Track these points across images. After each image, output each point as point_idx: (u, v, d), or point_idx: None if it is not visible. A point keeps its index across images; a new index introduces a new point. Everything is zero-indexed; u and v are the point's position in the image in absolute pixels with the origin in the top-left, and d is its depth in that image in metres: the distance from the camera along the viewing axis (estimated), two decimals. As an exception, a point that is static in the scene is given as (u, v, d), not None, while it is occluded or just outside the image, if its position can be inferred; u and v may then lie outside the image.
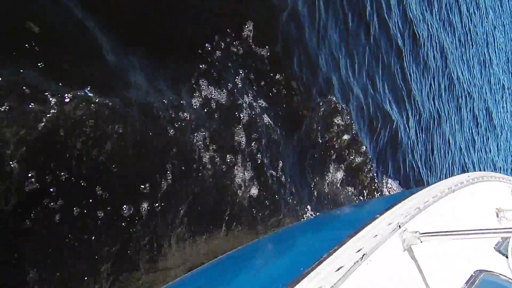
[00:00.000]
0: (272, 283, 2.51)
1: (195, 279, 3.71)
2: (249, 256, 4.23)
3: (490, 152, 14.53)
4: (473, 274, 2.67)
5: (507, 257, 3.07)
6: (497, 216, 3.75)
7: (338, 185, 6.09)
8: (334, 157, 5.96)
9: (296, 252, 3.45)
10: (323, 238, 3.83)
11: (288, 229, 5.14)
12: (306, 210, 5.37)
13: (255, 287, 2.71)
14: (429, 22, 10.37)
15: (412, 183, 8.49)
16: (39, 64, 2.68)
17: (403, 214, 2.87)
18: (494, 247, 3.28)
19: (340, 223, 4.62)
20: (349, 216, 5.10)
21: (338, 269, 2.05)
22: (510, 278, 2.89)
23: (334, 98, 5.91)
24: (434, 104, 10.59)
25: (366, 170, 6.61)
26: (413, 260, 2.50)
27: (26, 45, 2.66)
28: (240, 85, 4.45)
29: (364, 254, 2.21)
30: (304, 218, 5.38)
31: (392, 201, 3.12)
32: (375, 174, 6.93)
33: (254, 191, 4.61)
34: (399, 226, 2.66)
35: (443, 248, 2.82)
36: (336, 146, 5.99)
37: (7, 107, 2.45)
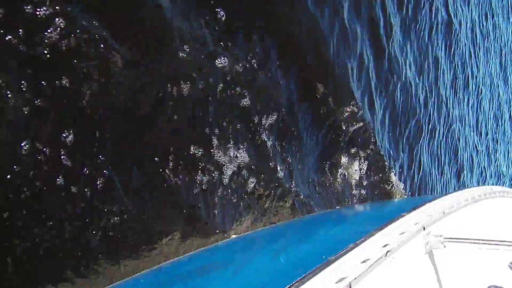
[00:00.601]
0: (293, 268, 2.48)
1: (212, 255, 3.73)
2: (269, 239, 4.27)
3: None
4: None
5: None
6: None
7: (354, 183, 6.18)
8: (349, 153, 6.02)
9: (318, 240, 3.46)
10: (346, 229, 3.83)
11: (311, 217, 5.14)
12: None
13: (276, 269, 2.72)
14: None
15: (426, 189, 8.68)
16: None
17: (430, 215, 2.88)
18: (509, 265, 3.16)
19: (364, 218, 4.63)
20: (373, 212, 5.12)
21: (364, 261, 2.06)
22: None
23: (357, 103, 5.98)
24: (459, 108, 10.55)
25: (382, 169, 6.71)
26: (432, 265, 2.51)
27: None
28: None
29: (388, 251, 2.23)
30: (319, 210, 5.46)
31: (417, 203, 3.12)
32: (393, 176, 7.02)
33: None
34: (424, 228, 2.67)
35: (462, 257, 2.81)
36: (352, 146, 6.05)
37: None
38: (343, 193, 5.92)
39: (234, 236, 4.10)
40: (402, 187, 7.30)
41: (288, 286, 1.82)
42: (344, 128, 5.73)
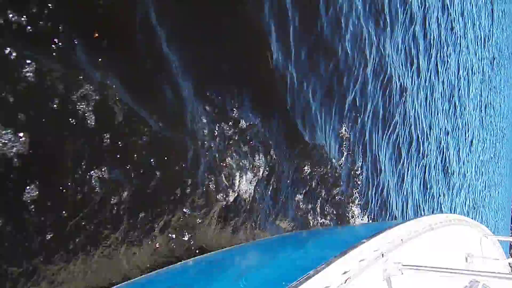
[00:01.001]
0: None
1: (172, 275, 3.66)
2: (227, 262, 4.23)
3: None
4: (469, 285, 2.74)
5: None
6: (466, 260, 4.00)
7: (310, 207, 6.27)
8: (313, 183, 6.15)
9: (278, 265, 3.47)
10: (307, 254, 3.89)
11: (271, 240, 5.17)
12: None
13: None
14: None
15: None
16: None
17: (389, 242, 2.96)
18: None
19: (324, 242, 4.71)
20: (334, 237, 5.21)
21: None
22: None
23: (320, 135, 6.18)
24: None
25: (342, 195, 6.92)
26: None
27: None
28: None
29: (348, 278, 2.28)
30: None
31: (377, 229, 3.19)
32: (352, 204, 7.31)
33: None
34: (382, 255, 2.75)
35: (418, 284, 2.91)
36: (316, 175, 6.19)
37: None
38: (301, 214, 6.00)
39: (190, 259, 4.03)
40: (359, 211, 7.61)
41: None
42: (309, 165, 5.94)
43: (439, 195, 13.19)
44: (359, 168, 7.55)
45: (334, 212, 6.71)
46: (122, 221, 3.25)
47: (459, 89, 15.22)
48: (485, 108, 21.54)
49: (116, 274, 3.32)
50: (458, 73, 14.85)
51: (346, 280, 2.26)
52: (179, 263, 3.89)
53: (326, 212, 6.51)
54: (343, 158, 7.04)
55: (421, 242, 3.45)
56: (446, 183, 14.06)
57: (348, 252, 2.58)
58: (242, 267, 3.84)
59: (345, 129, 7.00)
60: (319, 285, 2.15)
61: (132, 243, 3.39)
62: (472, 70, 17.06)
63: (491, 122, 23.68)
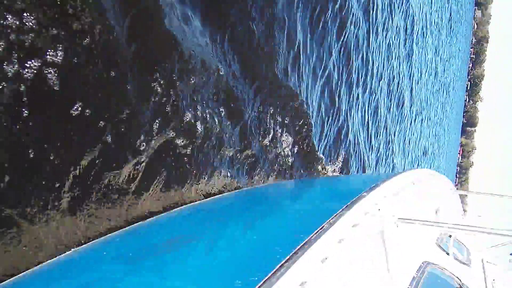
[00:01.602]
0: (272, 243, 2.59)
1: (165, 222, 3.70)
2: (236, 205, 4.41)
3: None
4: (422, 265, 2.86)
5: (447, 253, 3.45)
6: (436, 213, 4.22)
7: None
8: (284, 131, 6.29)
9: (288, 214, 3.61)
10: (314, 204, 4.00)
11: (265, 188, 5.40)
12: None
13: (252, 242, 2.81)
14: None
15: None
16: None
17: (385, 196, 3.18)
18: (436, 242, 3.56)
19: (326, 193, 4.94)
20: (333, 187, 5.52)
21: (340, 241, 2.37)
22: (451, 273, 3.14)
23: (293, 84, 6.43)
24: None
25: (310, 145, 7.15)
26: (383, 242, 2.75)
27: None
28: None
29: (356, 224, 2.60)
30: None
31: (371, 182, 3.47)
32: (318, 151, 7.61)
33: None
34: (379, 209, 2.96)
35: (403, 235, 3.06)
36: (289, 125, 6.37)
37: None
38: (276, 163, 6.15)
39: (187, 205, 4.13)
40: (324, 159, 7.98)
41: (278, 266, 1.97)
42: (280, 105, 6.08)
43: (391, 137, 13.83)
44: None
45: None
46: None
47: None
48: (436, 53, 22.55)
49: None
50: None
51: (354, 225, 2.55)
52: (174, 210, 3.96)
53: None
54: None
55: (406, 197, 3.63)
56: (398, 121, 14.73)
57: (354, 205, 2.79)
58: (248, 214, 3.89)
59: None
60: (336, 238, 2.36)
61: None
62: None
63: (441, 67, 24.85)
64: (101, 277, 2.51)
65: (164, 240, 3.21)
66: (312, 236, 2.31)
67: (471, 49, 69.53)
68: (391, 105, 13.23)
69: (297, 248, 2.16)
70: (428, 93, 21.37)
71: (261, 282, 1.87)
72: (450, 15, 29.92)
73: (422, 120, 19.76)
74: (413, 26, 15.64)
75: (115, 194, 3.39)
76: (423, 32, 18.12)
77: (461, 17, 39.88)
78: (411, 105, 16.63)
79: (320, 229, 2.42)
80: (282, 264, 2.01)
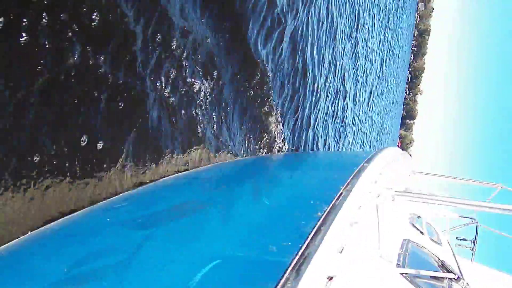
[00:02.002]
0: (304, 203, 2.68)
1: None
2: (245, 171, 4.62)
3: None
4: (403, 242, 2.97)
5: (422, 232, 3.58)
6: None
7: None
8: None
9: (303, 182, 3.74)
10: (322, 175, 4.10)
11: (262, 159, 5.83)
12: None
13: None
14: None
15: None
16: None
17: (380, 174, 3.36)
18: (409, 221, 3.68)
19: (329, 165, 5.16)
20: (334, 160, 5.90)
21: (359, 208, 2.54)
22: (429, 251, 3.27)
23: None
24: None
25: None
26: (377, 214, 2.80)
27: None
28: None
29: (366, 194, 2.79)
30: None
31: (364, 157, 3.62)
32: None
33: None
34: (376, 181, 3.17)
35: (394, 210, 3.27)
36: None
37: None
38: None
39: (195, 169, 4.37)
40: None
41: (314, 230, 2.02)
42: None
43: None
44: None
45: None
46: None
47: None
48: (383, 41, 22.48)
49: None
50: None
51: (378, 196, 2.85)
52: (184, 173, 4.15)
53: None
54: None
55: (385, 175, 3.64)
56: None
57: (361, 176, 2.96)
58: (260, 182, 3.95)
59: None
60: (356, 204, 2.50)
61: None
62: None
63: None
64: (114, 239, 2.51)
65: (173, 204, 3.18)
66: (335, 202, 2.42)
67: (413, 41, 70.35)
68: (332, 98, 12.31)
69: (325, 213, 2.25)
70: (370, 85, 21.06)
71: (304, 246, 1.90)
72: (397, 5, 29.81)
73: (364, 110, 19.65)
74: (359, 16, 14.58)
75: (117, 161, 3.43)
76: (369, 22, 17.38)
77: (405, 8, 40.69)
78: (354, 98, 16.01)
79: (340, 195, 2.55)
80: (318, 228, 2.07)
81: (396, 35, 33.63)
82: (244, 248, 2.13)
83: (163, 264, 2.13)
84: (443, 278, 2.80)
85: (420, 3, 71.81)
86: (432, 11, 78.16)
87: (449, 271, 2.93)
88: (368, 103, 20.41)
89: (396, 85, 39.87)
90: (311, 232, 1.98)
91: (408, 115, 75.27)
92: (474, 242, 5.15)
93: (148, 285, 1.97)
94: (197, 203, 3.01)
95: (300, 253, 1.84)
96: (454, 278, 2.82)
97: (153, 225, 2.58)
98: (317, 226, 2.04)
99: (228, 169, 4.57)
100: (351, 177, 2.88)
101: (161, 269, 2.09)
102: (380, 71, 25.38)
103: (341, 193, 2.52)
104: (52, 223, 2.78)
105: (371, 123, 22.79)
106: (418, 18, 71.97)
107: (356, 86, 15.77)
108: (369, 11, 16.79)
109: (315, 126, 10.23)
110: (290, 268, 1.77)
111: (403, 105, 69.36)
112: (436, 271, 2.93)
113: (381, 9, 21.49)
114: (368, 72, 18.95)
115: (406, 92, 70.04)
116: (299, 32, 8.27)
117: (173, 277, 2.01)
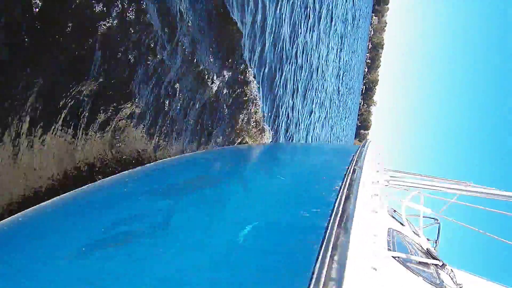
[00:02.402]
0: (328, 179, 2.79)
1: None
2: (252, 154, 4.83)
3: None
4: (389, 230, 3.06)
5: (402, 224, 3.59)
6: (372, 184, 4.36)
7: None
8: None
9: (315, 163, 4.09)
10: (328, 160, 4.27)
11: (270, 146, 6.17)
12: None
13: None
14: None
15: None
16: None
17: (378, 163, 3.74)
18: (388, 213, 3.70)
19: (330, 153, 5.39)
20: (332, 149, 6.24)
21: (374, 182, 2.98)
22: (412, 239, 3.30)
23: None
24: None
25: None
26: (374, 198, 2.97)
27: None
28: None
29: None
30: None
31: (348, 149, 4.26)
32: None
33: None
34: (377, 172, 3.49)
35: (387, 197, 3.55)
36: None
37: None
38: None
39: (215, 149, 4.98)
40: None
41: (340, 196, 2.19)
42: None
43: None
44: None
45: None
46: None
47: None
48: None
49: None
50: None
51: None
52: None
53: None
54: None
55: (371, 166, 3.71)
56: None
57: (365, 159, 3.20)
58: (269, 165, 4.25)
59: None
60: (369, 179, 2.81)
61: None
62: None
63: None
64: (138, 207, 2.56)
65: (191, 177, 3.34)
66: (352, 176, 2.59)
67: (367, 54, 72.61)
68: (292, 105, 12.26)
69: (344, 186, 2.37)
70: (329, 94, 21.45)
71: (340, 209, 1.98)
72: (353, 17, 30.40)
73: (321, 120, 19.88)
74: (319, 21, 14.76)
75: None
76: (327, 30, 17.55)
77: (360, 22, 41.83)
78: (312, 107, 16.22)
79: (351, 172, 2.69)
80: (347, 195, 2.20)
81: (352, 52, 34.58)
82: (278, 214, 2.25)
83: (207, 225, 2.26)
84: (429, 265, 2.87)
85: (374, 17, 74.42)
86: (386, 25, 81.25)
87: (434, 258, 3.00)
88: (325, 117, 20.93)
89: (352, 95, 40.84)
90: (336, 200, 2.10)
91: (362, 125, 77.46)
92: (436, 242, 5.26)
93: (194, 243, 2.08)
94: (225, 176, 3.31)
95: (338, 217, 1.97)
96: (439, 265, 2.91)
97: (199, 188, 2.78)
98: (344, 194, 2.18)
99: (240, 152, 4.95)
100: (355, 158, 3.10)
101: (206, 230, 2.22)
102: (339, 81, 25.96)
103: (354, 169, 2.73)
104: (86, 186, 2.94)
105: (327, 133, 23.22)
106: (372, 32, 74.52)
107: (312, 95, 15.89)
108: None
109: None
110: (335, 227, 1.87)
111: (358, 115, 71.29)
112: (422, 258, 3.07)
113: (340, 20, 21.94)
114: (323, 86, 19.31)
115: (360, 103, 72.06)
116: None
117: (218, 236, 2.14)
